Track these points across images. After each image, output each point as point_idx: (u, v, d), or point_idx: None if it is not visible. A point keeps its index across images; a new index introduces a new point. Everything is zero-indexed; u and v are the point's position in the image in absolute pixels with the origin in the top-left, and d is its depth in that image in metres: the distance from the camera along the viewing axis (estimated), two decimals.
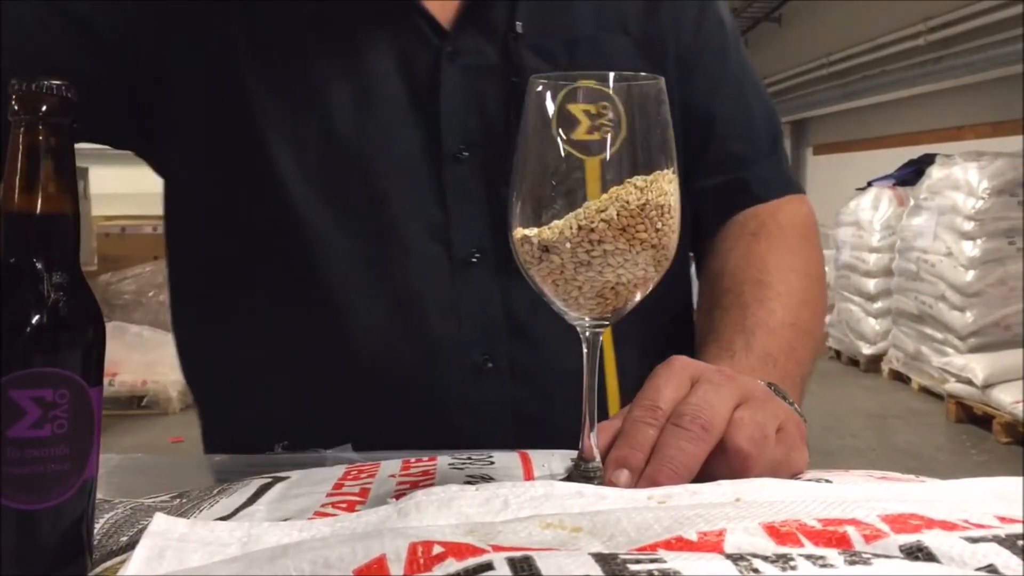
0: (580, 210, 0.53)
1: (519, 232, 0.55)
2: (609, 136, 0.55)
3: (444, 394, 0.84)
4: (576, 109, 0.87)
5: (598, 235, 0.52)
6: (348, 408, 0.84)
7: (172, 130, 0.87)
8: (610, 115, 0.86)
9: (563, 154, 0.54)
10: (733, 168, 0.95)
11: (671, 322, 0.94)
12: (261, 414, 0.88)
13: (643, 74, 0.55)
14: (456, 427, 0.82)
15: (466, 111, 0.85)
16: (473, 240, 0.84)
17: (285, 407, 0.87)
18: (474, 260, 0.84)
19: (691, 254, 0.98)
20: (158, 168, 0.93)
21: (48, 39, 0.83)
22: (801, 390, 0.78)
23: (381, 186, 0.84)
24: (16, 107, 0.45)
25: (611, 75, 0.54)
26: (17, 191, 0.44)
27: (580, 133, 0.88)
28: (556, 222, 0.53)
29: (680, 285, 0.96)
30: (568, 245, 0.53)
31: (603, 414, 0.85)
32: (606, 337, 0.87)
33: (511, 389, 0.85)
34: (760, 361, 0.76)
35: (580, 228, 0.52)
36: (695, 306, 0.96)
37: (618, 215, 0.52)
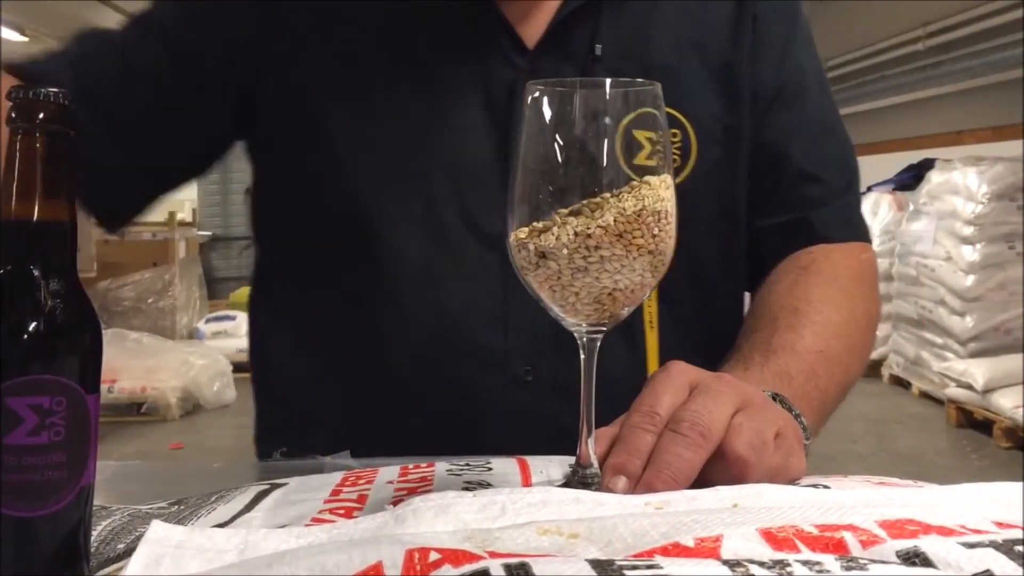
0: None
1: (516, 236, 0.55)
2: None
3: (485, 403, 0.85)
4: (640, 135, 0.88)
5: (595, 241, 0.52)
6: (391, 411, 0.86)
7: (261, 142, 0.94)
8: (679, 143, 0.87)
9: (560, 159, 0.54)
10: (800, 208, 0.94)
11: (720, 344, 0.93)
12: (309, 414, 0.91)
13: (639, 80, 0.55)
14: (495, 437, 0.81)
15: None
16: None
17: (331, 407, 0.90)
18: None
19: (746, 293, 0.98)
20: (253, 160, 0.98)
21: (166, 75, 0.90)
22: (819, 415, 0.77)
23: (446, 195, 0.86)
24: (14, 115, 0.45)
25: (607, 81, 0.54)
26: (14, 198, 0.45)
27: (641, 158, 0.88)
28: (553, 228, 0.53)
29: (731, 309, 0.95)
30: (565, 251, 0.53)
31: None
32: (653, 367, 0.87)
33: (551, 401, 0.84)
34: (774, 377, 0.75)
35: (577, 234, 0.52)
36: None
37: (615, 221, 0.52)
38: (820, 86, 0.99)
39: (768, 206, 0.93)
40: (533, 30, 0.87)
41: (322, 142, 0.88)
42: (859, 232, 0.97)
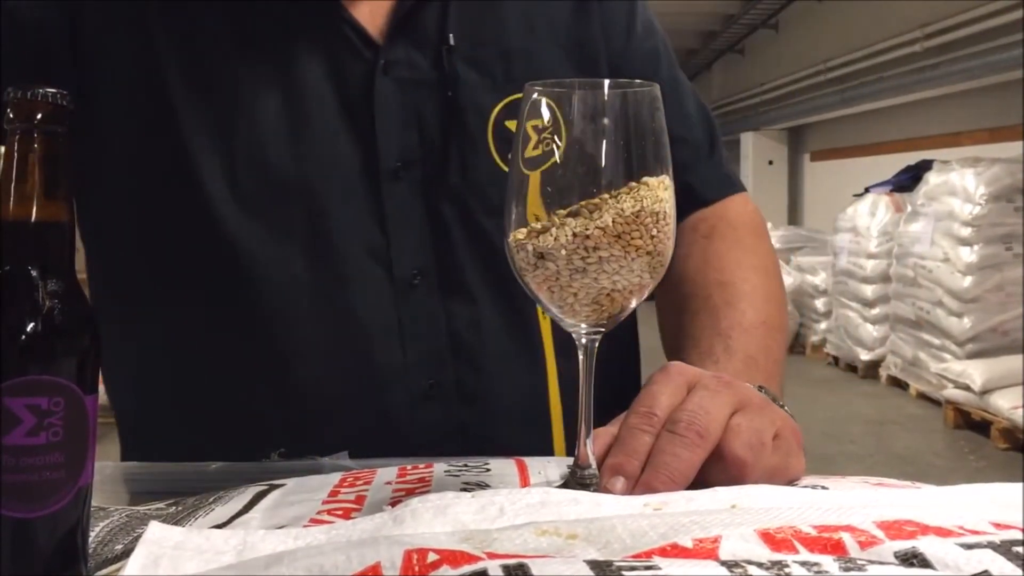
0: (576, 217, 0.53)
1: (515, 238, 0.55)
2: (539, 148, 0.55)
3: (391, 418, 0.81)
4: (512, 124, 0.86)
5: (593, 242, 0.52)
6: (292, 435, 0.81)
7: (91, 134, 0.82)
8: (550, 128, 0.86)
9: (559, 160, 0.54)
10: (675, 172, 0.93)
11: (618, 345, 0.92)
12: (195, 442, 0.84)
13: (638, 81, 0.55)
14: (404, 450, 0.79)
15: (402, 126, 0.83)
16: (414, 261, 0.82)
17: (225, 436, 0.82)
18: (416, 282, 0.82)
19: None
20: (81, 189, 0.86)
21: None
22: (781, 388, 0.78)
23: (317, 205, 0.81)
24: (11, 115, 0.45)
25: (606, 82, 0.54)
26: (12, 199, 0.44)
27: (529, 150, 0.87)
28: (552, 229, 0.53)
29: None
30: (563, 252, 0.53)
31: (546, 437, 0.84)
32: (550, 358, 0.85)
33: (458, 410, 0.83)
34: (743, 364, 0.76)
35: (576, 235, 0.53)
36: (656, 313, 0.94)
37: (613, 222, 0.52)
38: (665, 45, 0.99)
39: None
40: (379, 21, 0.84)
41: (176, 160, 0.80)
42: (736, 185, 0.99)
